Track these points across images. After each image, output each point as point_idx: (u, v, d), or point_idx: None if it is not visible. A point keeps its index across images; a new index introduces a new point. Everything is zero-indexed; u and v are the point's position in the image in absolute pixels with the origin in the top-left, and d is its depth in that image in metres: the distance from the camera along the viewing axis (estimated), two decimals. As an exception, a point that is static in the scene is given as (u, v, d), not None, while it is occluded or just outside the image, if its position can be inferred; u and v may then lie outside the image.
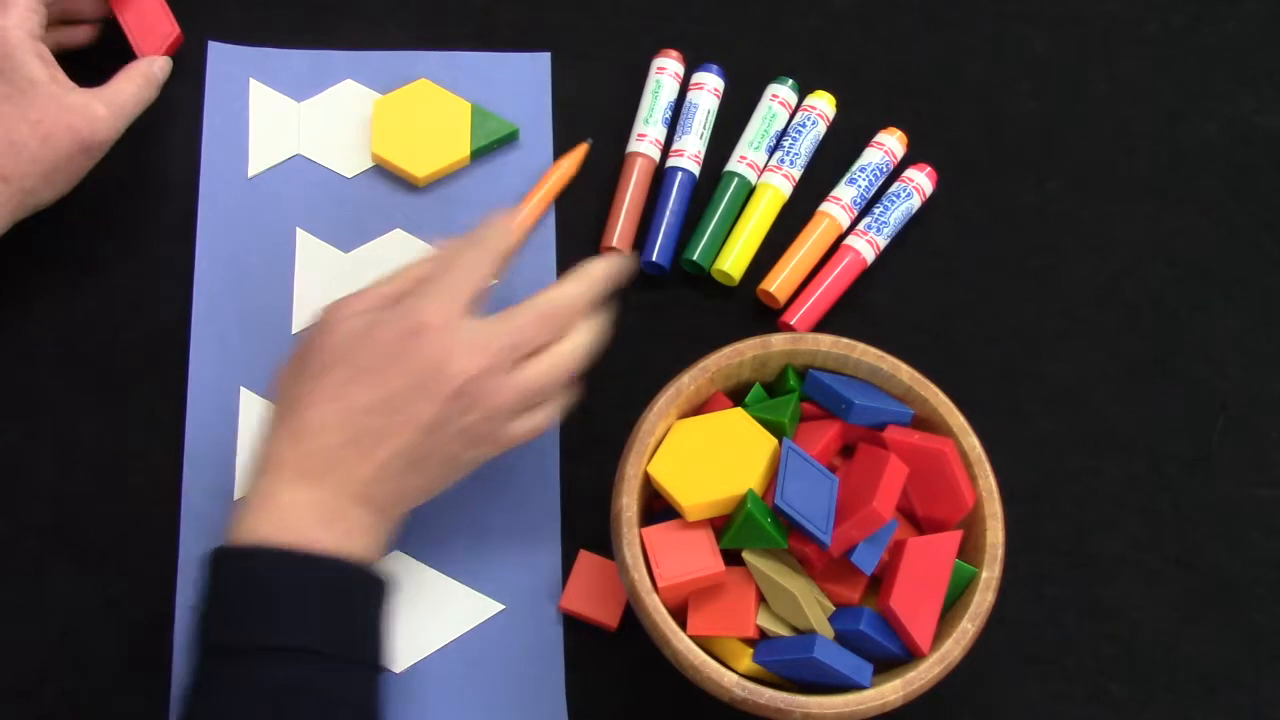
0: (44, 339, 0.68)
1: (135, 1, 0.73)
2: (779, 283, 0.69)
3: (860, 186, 0.71)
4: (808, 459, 0.57)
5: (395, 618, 0.57)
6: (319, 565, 0.54)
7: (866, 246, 0.70)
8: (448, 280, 0.58)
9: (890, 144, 0.72)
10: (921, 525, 0.59)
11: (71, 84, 0.66)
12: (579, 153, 0.72)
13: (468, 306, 0.58)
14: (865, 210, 0.72)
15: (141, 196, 0.71)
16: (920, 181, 0.71)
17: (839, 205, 0.71)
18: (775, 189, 0.71)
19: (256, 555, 0.54)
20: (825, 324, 0.69)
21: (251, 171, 0.72)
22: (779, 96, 0.73)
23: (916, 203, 0.71)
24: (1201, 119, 0.77)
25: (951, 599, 0.57)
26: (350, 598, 0.55)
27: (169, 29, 0.72)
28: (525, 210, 0.70)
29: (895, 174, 0.73)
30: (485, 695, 0.62)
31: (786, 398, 0.60)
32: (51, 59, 0.66)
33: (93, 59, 0.67)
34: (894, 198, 0.71)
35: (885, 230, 0.70)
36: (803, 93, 0.74)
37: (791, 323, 0.68)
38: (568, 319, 0.60)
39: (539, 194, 0.71)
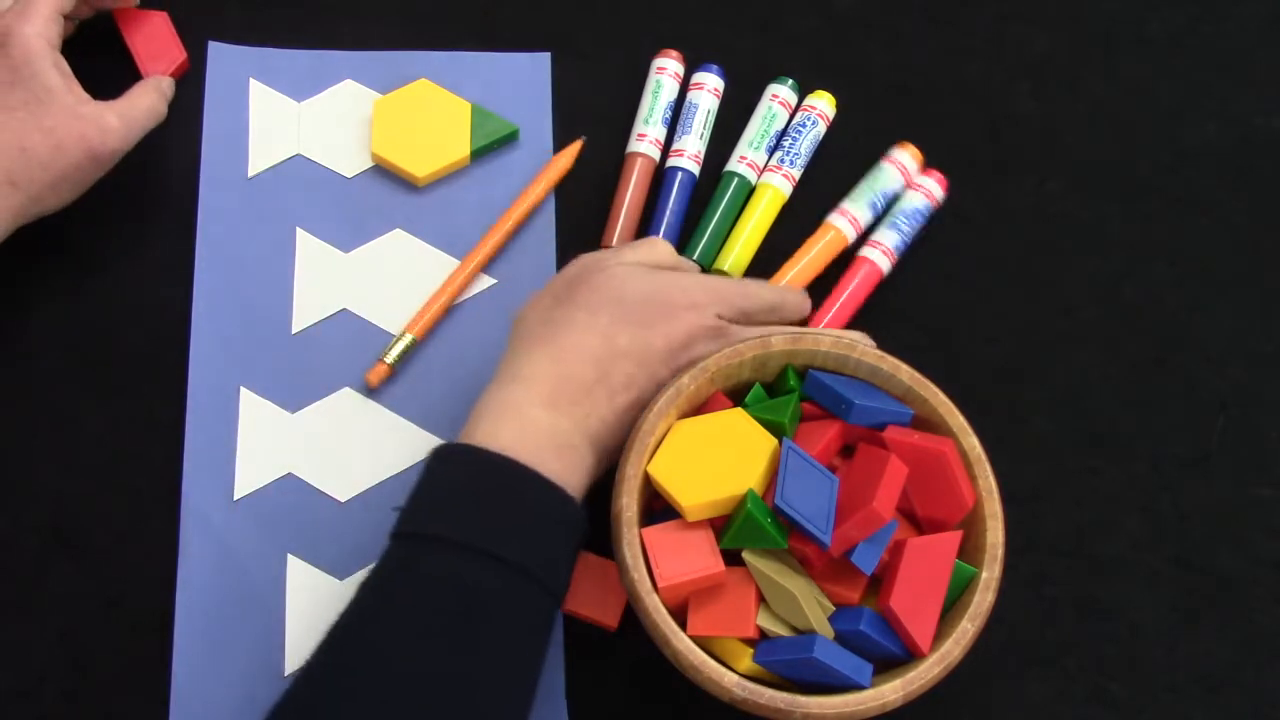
0: (44, 339, 0.68)
1: (144, 24, 0.73)
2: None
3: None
4: (808, 459, 0.57)
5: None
6: (544, 489, 0.55)
7: (882, 258, 0.70)
8: (723, 279, 0.64)
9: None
10: (921, 525, 0.59)
11: (86, 95, 0.66)
12: (573, 149, 0.72)
13: (724, 303, 0.62)
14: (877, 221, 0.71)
15: (142, 196, 0.71)
16: (931, 188, 0.71)
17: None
18: (775, 189, 0.71)
19: (493, 462, 0.55)
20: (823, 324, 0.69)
21: (251, 171, 0.72)
22: (779, 96, 0.73)
23: (928, 207, 0.71)
24: (1201, 119, 0.77)
25: (951, 599, 0.57)
26: (560, 528, 0.56)
27: (176, 54, 0.73)
28: (518, 209, 0.70)
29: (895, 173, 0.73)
30: (485, 695, 0.62)
31: (786, 398, 0.60)
32: (68, 69, 0.66)
33: (97, 78, 0.68)
34: (915, 214, 0.71)
35: (897, 243, 0.70)
36: (803, 93, 0.74)
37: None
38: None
39: (532, 193, 0.71)
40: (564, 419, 0.57)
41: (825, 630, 0.56)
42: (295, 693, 0.51)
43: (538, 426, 0.57)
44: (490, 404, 0.58)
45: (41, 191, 0.64)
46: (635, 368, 0.59)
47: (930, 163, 0.73)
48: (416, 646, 0.51)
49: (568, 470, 0.56)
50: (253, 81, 0.74)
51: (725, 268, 0.69)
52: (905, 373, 0.60)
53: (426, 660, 0.51)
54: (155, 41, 0.73)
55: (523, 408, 0.57)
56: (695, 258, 0.69)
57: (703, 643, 0.56)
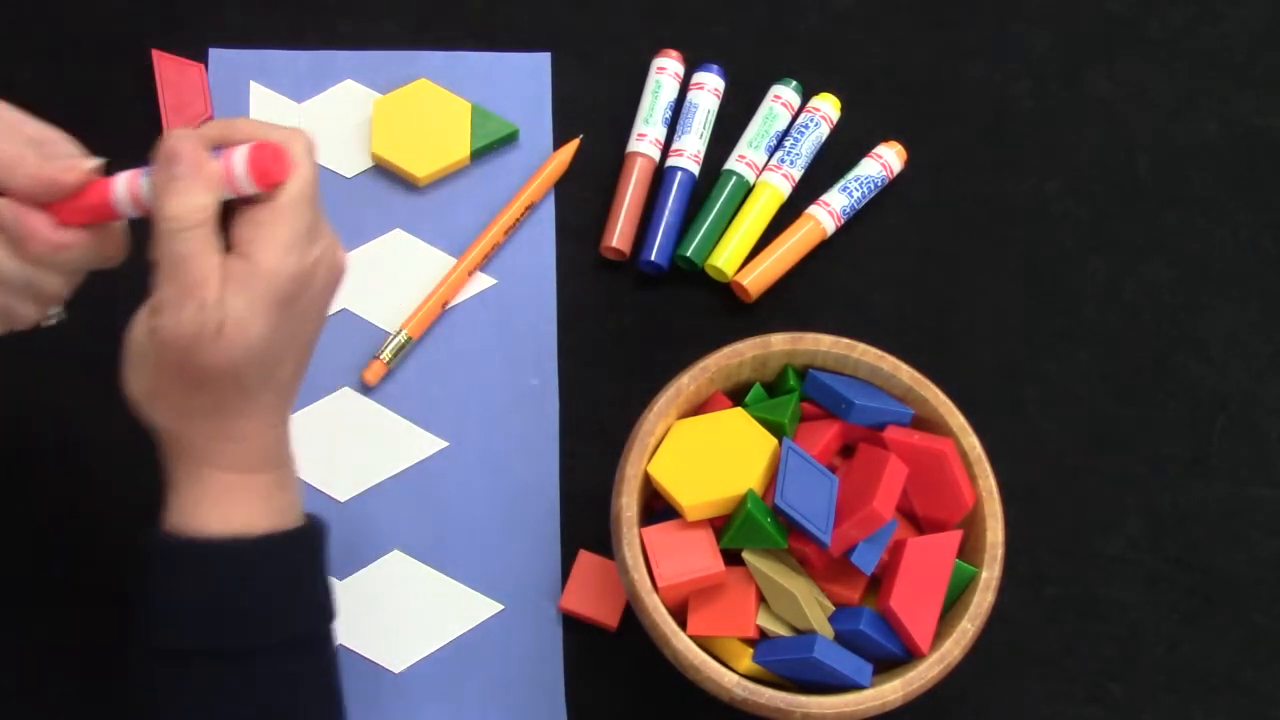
0: (44, 339, 0.68)
1: (178, 73, 0.70)
2: (754, 276, 0.69)
3: (854, 197, 0.71)
4: (808, 459, 0.57)
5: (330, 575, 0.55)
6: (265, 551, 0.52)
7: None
8: None
9: (889, 157, 0.72)
10: (921, 525, 0.59)
11: None
12: (570, 147, 0.72)
13: None
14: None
15: (141, 196, 0.71)
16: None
17: (827, 210, 0.71)
18: (774, 188, 0.71)
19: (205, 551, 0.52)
20: (821, 323, 0.69)
21: (251, 171, 0.72)
22: (781, 97, 0.73)
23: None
24: (1201, 119, 0.76)
25: (951, 599, 0.57)
26: (309, 572, 0.53)
27: (201, 108, 0.70)
28: (514, 207, 0.71)
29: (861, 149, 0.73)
30: (485, 695, 0.62)
31: (786, 398, 0.60)
32: None
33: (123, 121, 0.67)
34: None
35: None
36: (807, 94, 0.74)
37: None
38: None
39: (529, 191, 0.71)
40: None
41: (825, 630, 0.56)
42: None
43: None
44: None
45: None
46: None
47: (931, 162, 0.73)
48: None
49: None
50: (253, 84, 0.73)
51: (719, 265, 0.69)
52: (905, 373, 0.60)
53: None
54: (185, 92, 0.70)
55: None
56: (689, 254, 0.69)
57: (703, 643, 0.56)
